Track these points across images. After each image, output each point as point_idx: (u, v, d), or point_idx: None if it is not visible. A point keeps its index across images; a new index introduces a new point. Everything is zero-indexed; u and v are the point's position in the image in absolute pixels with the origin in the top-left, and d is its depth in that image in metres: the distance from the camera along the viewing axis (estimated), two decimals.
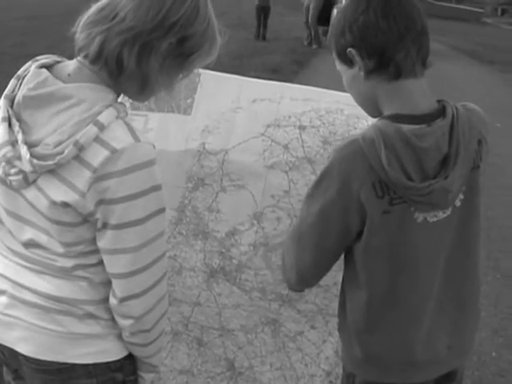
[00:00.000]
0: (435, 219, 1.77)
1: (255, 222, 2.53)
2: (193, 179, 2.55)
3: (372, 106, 1.84)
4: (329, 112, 2.53)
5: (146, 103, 2.54)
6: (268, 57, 15.51)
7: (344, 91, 1.98)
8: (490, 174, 1.89)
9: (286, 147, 2.52)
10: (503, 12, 48.32)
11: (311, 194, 1.80)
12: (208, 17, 1.76)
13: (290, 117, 2.54)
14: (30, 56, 1.76)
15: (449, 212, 1.78)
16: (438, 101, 1.80)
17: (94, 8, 1.69)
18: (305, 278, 1.92)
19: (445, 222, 1.79)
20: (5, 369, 1.97)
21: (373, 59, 1.74)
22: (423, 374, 1.93)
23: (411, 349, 1.88)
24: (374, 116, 1.88)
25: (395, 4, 1.72)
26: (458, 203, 1.80)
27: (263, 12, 19.95)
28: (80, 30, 1.69)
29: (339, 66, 1.87)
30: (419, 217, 1.75)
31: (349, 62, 1.80)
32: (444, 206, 1.76)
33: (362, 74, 1.77)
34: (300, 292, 2.30)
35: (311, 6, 20.02)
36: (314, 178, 2.40)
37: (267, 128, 2.54)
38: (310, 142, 2.52)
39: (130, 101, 2.45)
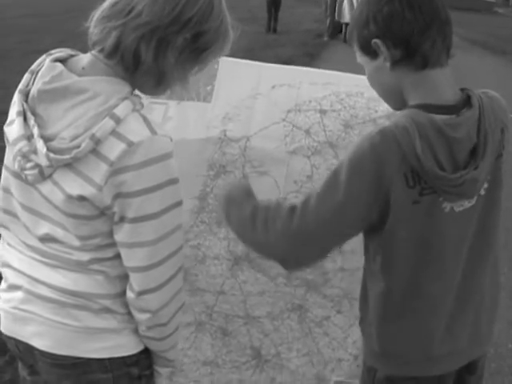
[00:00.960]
0: (461, 208, 1.76)
1: None
2: (214, 167, 2.53)
3: (396, 98, 1.83)
4: (349, 95, 2.52)
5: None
6: (279, 50, 15.49)
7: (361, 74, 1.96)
8: (507, 163, 1.88)
9: (307, 132, 2.50)
10: None
11: (335, 178, 1.71)
12: (222, 13, 1.76)
13: (310, 101, 2.53)
14: (36, 52, 1.75)
15: (474, 201, 1.78)
16: (462, 89, 1.79)
17: (107, 2, 1.69)
18: (300, 249, 1.78)
19: (470, 211, 1.78)
20: (20, 364, 1.98)
21: (399, 49, 1.72)
22: (444, 366, 1.92)
23: (431, 340, 1.87)
24: (396, 108, 1.87)
25: None
26: (482, 192, 1.79)
27: (274, 5, 19.97)
28: (94, 25, 1.69)
29: (361, 59, 1.85)
30: (447, 206, 1.74)
31: (372, 53, 1.78)
32: (471, 195, 1.75)
33: (388, 64, 1.75)
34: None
35: None
36: (335, 162, 2.40)
37: (288, 113, 2.53)
38: (332, 126, 2.50)
39: None
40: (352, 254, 2.36)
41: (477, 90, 1.80)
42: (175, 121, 2.53)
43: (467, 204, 1.77)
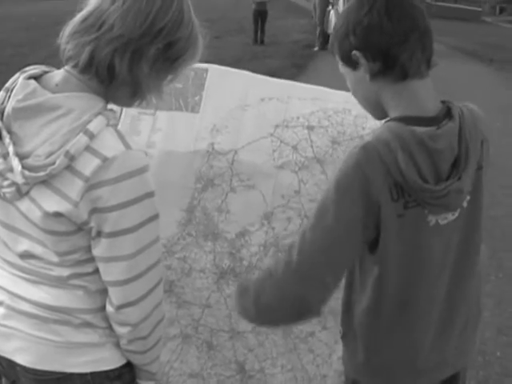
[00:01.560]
0: (445, 221, 1.77)
1: (265, 222, 2.51)
2: (202, 180, 2.53)
3: (377, 108, 1.83)
4: (337, 112, 2.53)
5: (154, 101, 2.53)
6: (267, 61, 15.53)
7: (349, 91, 1.98)
8: (491, 173, 1.89)
9: (295, 148, 2.51)
10: (501, 10, 48.26)
11: (326, 200, 1.71)
12: (191, 21, 1.77)
13: (298, 117, 2.53)
14: (29, 66, 1.76)
15: (457, 214, 1.78)
16: (442, 101, 1.79)
17: (77, 18, 1.69)
18: (312, 279, 1.72)
19: (453, 224, 1.79)
20: (4, 380, 1.97)
21: (378, 61, 1.73)
22: (429, 379, 1.94)
23: (418, 353, 1.88)
24: (379, 118, 1.88)
25: (398, 5, 1.71)
26: (464, 204, 1.79)
27: (260, 16, 20.02)
28: (65, 41, 1.69)
29: (343, 69, 1.86)
30: (432, 220, 1.75)
31: (353, 64, 1.79)
32: (456, 207, 1.76)
33: (368, 76, 1.76)
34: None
35: (317, 6, 20.13)
36: (323, 177, 2.43)
37: (276, 128, 2.53)
38: (319, 142, 2.51)
39: None
40: None
41: (457, 103, 1.80)
42: (164, 133, 2.52)
43: (451, 217, 1.77)
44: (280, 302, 1.76)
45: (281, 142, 2.52)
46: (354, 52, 1.75)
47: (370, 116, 2.29)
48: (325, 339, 2.53)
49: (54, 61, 1.82)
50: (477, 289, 1.99)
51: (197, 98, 2.57)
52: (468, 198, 1.79)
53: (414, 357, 1.88)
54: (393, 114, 1.77)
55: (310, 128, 2.52)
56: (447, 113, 1.75)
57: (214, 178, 2.52)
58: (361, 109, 2.25)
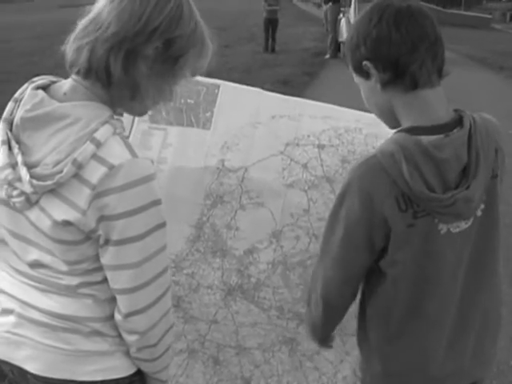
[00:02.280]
0: (458, 230, 1.77)
1: (274, 240, 2.52)
2: (211, 196, 2.54)
3: (390, 117, 1.84)
4: (347, 131, 2.53)
5: (165, 116, 2.54)
6: (278, 69, 15.54)
7: (360, 108, 1.98)
8: (505, 181, 1.88)
9: (305, 166, 2.52)
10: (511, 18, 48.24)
11: (333, 216, 1.80)
12: (194, 19, 1.76)
13: (308, 136, 2.54)
14: (39, 75, 1.77)
15: (470, 222, 1.79)
16: (455, 110, 1.80)
17: (80, 24, 1.71)
18: (331, 300, 1.93)
19: (467, 233, 1.79)
20: None
21: (388, 71, 1.74)
22: None
23: (431, 361, 1.88)
24: (393, 127, 1.87)
25: (407, 15, 1.72)
26: (479, 213, 1.80)
27: (271, 25, 20.03)
28: (69, 48, 1.71)
29: (356, 79, 1.88)
30: (443, 228, 1.75)
31: (365, 74, 1.81)
32: (467, 215, 1.76)
33: (379, 85, 1.78)
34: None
35: (329, 14, 20.15)
36: (333, 197, 2.40)
37: (286, 146, 2.54)
38: (329, 161, 2.51)
39: (150, 113, 2.47)
40: None
41: (471, 112, 1.81)
42: (174, 148, 2.54)
43: (464, 225, 1.78)
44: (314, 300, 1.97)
45: (291, 160, 2.53)
46: (365, 62, 1.77)
47: (380, 135, 2.31)
48: (330, 358, 2.55)
49: (63, 70, 1.83)
50: (495, 300, 1.98)
51: (208, 115, 2.58)
52: (482, 206, 1.79)
53: (427, 365, 1.88)
54: (405, 123, 1.78)
55: (321, 147, 2.53)
56: (459, 121, 1.75)
57: (223, 195, 2.54)
58: (372, 128, 2.25)
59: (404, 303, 1.83)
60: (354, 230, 1.76)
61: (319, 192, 2.51)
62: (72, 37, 1.71)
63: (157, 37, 1.68)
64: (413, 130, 1.72)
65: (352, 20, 18.79)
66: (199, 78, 2.53)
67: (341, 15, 19.82)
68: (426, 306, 1.83)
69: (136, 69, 1.68)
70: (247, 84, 2.69)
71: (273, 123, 2.56)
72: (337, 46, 19.87)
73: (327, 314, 1.95)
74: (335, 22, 19.93)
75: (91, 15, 1.70)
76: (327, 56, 19.68)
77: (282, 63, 16.80)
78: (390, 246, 1.75)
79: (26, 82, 1.77)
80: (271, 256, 2.52)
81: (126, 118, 2.30)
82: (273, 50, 20.01)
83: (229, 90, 2.61)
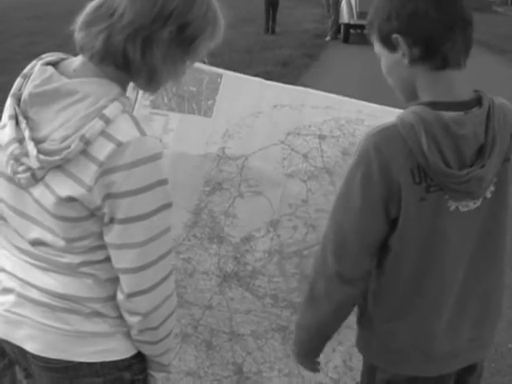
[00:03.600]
0: (466, 209, 1.78)
1: (271, 229, 2.53)
2: (211, 183, 2.54)
3: (409, 91, 1.83)
4: (349, 122, 2.52)
5: (167, 102, 2.54)
6: (278, 50, 15.51)
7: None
8: None
9: (305, 156, 2.52)
10: None
11: (349, 183, 1.78)
12: (206, 1, 1.75)
13: (310, 126, 2.53)
14: (39, 55, 1.77)
15: (479, 203, 1.79)
16: (475, 91, 1.79)
17: (90, 7, 1.70)
18: (347, 273, 1.83)
19: (474, 213, 1.80)
20: (17, 367, 1.99)
21: (419, 48, 1.72)
22: (443, 366, 1.94)
23: (431, 339, 1.89)
24: (407, 100, 1.87)
25: None
26: (488, 195, 1.80)
27: (272, 6, 20.00)
28: (78, 29, 1.70)
29: (379, 49, 1.85)
30: (452, 205, 1.76)
31: (392, 47, 1.78)
32: (477, 195, 1.76)
33: (406, 61, 1.76)
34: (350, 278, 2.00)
35: None
36: (331, 188, 2.45)
37: (287, 136, 2.53)
38: (330, 153, 2.51)
39: (151, 98, 2.48)
40: None
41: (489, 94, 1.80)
42: (175, 134, 2.54)
43: (472, 205, 1.78)
44: (325, 283, 1.86)
45: (291, 150, 2.53)
46: (396, 35, 1.74)
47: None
48: None
49: (66, 49, 1.82)
50: (498, 284, 1.99)
51: (210, 103, 2.58)
52: (492, 188, 1.80)
53: (427, 343, 1.90)
54: (425, 98, 1.77)
55: (322, 137, 2.52)
56: (478, 101, 1.75)
57: (222, 182, 2.54)
58: (374, 120, 2.23)
59: (407, 280, 1.83)
60: (372, 195, 1.74)
61: (318, 183, 2.51)
62: (81, 19, 1.70)
63: (172, 21, 1.68)
64: (433, 105, 1.71)
65: (353, 1, 18.75)
66: (202, 67, 2.52)
67: None
68: (428, 284, 1.84)
69: (153, 54, 1.69)
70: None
71: (274, 112, 2.56)
72: (337, 28, 19.82)
73: (342, 294, 1.85)
74: (337, 4, 19.87)
75: None
76: (328, 38, 19.65)
77: (283, 45, 16.78)
78: (401, 219, 1.75)
79: (26, 61, 1.76)
80: (268, 245, 2.53)
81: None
82: (273, 32, 19.98)
83: (231, 80, 2.61)
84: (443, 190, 1.72)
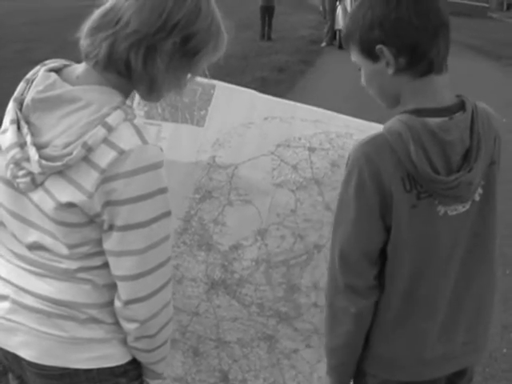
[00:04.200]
0: (455, 213, 1.79)
1: (259, 238, 2.54)
2: (201, 191, 2.56)
3: (392, 100, 1.84)
4: (339, 136, 2.54)
5: (160, 112, 2.56)
6: (274, 56, 15.54)
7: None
8: (501, 170, 1.91)
9: (294, 167, 2.53)
10: (509, 7, 48.00)
11: (343, 196, 1.80)
12: (211, 14, 1.77)
13: (300, 138, 2.55)
14: (35, 62, 1.79)
15: (467, 206, 1.80)
16: (457, 96, 1.81)
17: (96, 14, 1.72)
18: (353, 282, 1.83)
19: (463, 216, 1.81)
20: (10, 375, 1.99)
21: (404, 56, 1.73)
22: (435, 371, 1.94)
23: (424, 344, 1.89)
24: (390, 107, 1.88)
25: (426, 0, 1.71)
26: (477, 197, 1.82)
27: (267, 12, 19.99)
28: (84, 36, 1.72)
29: (360, 60, 1.84)
30: (441, 210, 1.77)
31: (374, 57, 1.77)
32: (466, 198, 1.78)
33: (390, 70, 1.76)
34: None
35: (327, 2, 20.10)
36: (320, 199, 2.47)
37: (277, 147, 2.55)
38: (319, 164, 2.53)
39: (146, 109, 2.50)
40: None
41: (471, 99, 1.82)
42: (168, 142, 2.55)
43: (461, 208, 1.79)
44: (340, 298, 1.86)
45: (281, 160, 2.54)
46: (380, 46, 1.74)
47: None
48: (308, 357, 2.57)
49: (62, 55, 1.83)
50: (490, 286, 1.99)
51: (203, 113, 2.60)
52: (480, 191, 1.81)
53: (421, 348, 1.90)
54: (409, 105, 1.77)
55: (311, 150, 2.54)
56: (461, 106, 1.76)
57: (212, 190, 2.55)
58: (362, 134, 2.24)
59: (401, 286, 1.84)
60: (367, 203, 1.75)
61: (307, 193, 2.52)
62: (87, 26, 1.72)
63: (176, 32, 1.70)
64: (418, 112, 1.72)
65: (349, 8, 18.76)
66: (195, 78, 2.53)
67: (337, 3, 19.79)
68: (422, 289, 1.84)
69: (154, 64, 1.70)
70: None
71: (265, 124, 2.58)
72: (333, 34, 19.84)
73: (357, 305, 1.83)
74: (334, 11, 19.90)
75: (108, 5, 1.71)
76: (323, 44, 19.66)
77: (279, 51, 16.80)
78: (393, 227, 1.76)
79: (22, 68, 1.77)
80: (255, 253, 2.54)
81: None
82: (269, 38, 19.97)
83: (224, 91, 2.63)
84: (433, 196, 1.73)
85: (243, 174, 2.54)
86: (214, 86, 2.62)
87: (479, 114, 1.75)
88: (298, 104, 2.68)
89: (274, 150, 2.55)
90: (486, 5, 41.98)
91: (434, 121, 1.69)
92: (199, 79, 2.55)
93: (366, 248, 1.80)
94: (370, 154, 1.72)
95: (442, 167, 1.69)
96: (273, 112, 2.59)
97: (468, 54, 19.81)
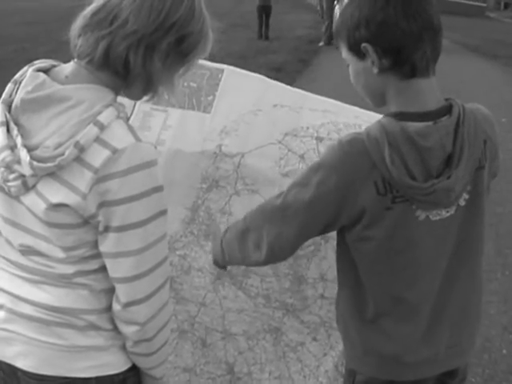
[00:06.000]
0: (438, 218, 1.77)
1: None
2: (207, 180, 2.54)
3: (378, 98, 1.84)
4: (347, 126, 2.52)
5: (167, 98, 2.52)
6: (271, 56, 15.54)
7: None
8: (500, 170, 1.89)
9: (302, 157, 2.51)
10: (506, 6, 48.15)
11: (305, 179, 1.80)
12: (202, 15, 1.77)
13: (308, 128, 2.53)
14: (31, 61, 1.75)
15: (453, 211, 1.79)
16: (446, 99, 1.79)
17: (87, 12, 1.69)
18: (278, 253, 1.92)
19: (449, 221, 1.79)
20: None
21: (388, 57, 1.71)
22: (419, 372, 1.94)
23: (405, 347, 1.89)
24: (378, 106, 1.88)
25: (415, 2, 1.69)
26: (462, 202, 1.80)
27: (265, 11, 20.01)
28: (76, 35, 1.70)
29: (348, 56, 1.84)
30: (421, 215, 1.76)
31: (361, 54, 1.77)
32: (446, 204, 1.76)
33: (375, 69, 1.75)
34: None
35: (324, 1, 20.11)
36: None
37: (285, 136, 2.53)
38: None
39: None
40: (333, 282, 2.36)
41: (462, 101, 1.80)
42: (174, 130, 2.53)
43: (445, 213, 1.78)
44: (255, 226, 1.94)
45: (288, 150, 2.52)
46: (365, 45, 1.73)
47: None
48: (314, 351, 2.56)
49: (56, 56, 1.81)
50: (475, 291, 1.99)
51: (210, 98, 2.57)
52: (467, 196, 1.80)
53: (401, 351, 1.90)
54: (393, 107, 1.77)
55: (319, 139, 2.52)
56: (448, 109, 1.75)
57: (219, 180, 2.53)
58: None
59: (383, 288, 1.84)
60: (321, 201, 1.76)
61: None
62: (78, 23, 1.70)
63: (173, 32, 1.69)
64: (400, 115, 1.71)
65: None
66: (203, 62, 2.52)
67: (335, 2, 19.80)
68: (402, 291, 1.84)
69: (152, 63, 1.69)
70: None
71: (274, 112, 2.56)
72: (331, 34, 19.85)
73: (266, 259, 1.93)
74: (331, 10, 19.89)
75: (100, 2, 1.68)
76: (321, 43, 19.66)
77: (276, 50, 16.82)
78: (361, 225, 1.76)
79: (17, 69, 1.75)
80: None
81: None
82: (266, 37, 20.00)
83: (232, 75, 2.61)
84: (409, 201, 1.72)
85: (250, 162, 2.52)
86: (222, 71, 2.60)
87: (466, 118, 1.73)
88: (308, 93, 2.66)
89: (282, 139, 2.53)
90: (484, 4, 42.13)
91: (414, 126, 1.68)
92: (207, 63, 2.54)
93: (301, 234, 1.86)
94: (347, 156, 1.72)
95: (420, 173, 1.68)
96: (282, 100, 2.57)
97: (465, 54, 19.87)
